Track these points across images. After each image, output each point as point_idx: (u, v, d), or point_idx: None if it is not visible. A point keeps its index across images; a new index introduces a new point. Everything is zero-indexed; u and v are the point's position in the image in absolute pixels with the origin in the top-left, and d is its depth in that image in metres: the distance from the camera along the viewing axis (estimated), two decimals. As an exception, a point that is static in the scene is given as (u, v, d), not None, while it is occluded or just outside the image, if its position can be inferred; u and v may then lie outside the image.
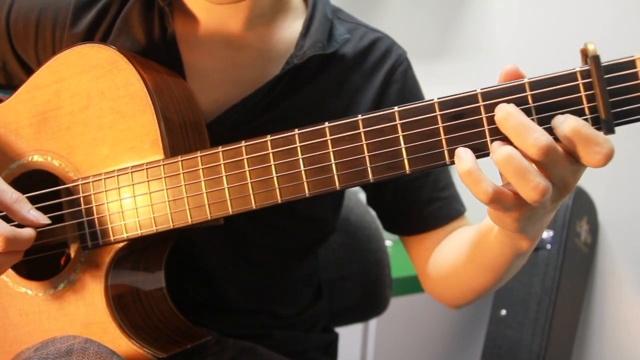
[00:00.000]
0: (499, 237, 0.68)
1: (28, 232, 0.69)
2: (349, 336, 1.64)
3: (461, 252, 0.80)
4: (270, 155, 0.64)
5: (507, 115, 0.55)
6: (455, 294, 0.86)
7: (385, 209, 0.94)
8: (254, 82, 0.82)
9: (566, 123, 0.53)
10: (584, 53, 0.55)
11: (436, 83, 2.04)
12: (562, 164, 0.54)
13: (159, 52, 0.81)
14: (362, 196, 1.22)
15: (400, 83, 0.88)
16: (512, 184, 0.54)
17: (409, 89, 0.89)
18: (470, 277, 0.80)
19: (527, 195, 0.53)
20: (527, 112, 0.56)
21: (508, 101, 0.56)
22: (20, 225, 0.70)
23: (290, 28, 0.86)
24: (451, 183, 0.91)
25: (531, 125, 0.53)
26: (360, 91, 0.86)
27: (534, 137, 0.53)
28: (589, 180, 1.65)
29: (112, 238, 0.72)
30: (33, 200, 0.75)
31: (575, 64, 0.57)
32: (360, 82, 0.86)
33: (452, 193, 0.91)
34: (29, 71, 0.87)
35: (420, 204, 0.89)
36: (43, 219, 0.71)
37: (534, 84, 0.56)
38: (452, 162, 0.58)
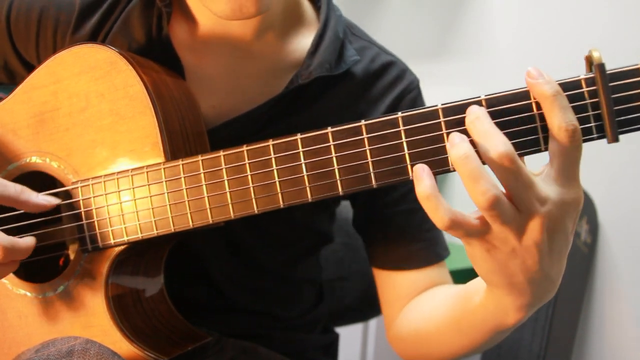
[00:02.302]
0: (485, 302, 0.64)
1: (26, 242, 0.69)
2: (349, 336, 1.64)
3: (440, 309, 0.75)
4: (273, 160, 0.64)
5: (475, 118, 0.54)
6: (421, 352, 0.80)
7: (368, 236, 0.90)
8: (255, 94, 0.81)
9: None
10: (589, 60, 0.55)
11: (436, 83, 2.04)
12: (523, 180, 0.52)
13: (157, 53, 0.81)
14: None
15: None
16: (465, 185, 0.53)
17: None
18: (444, 338, 0.74)
19: (476, 200, 0.52)
20: (531, 119, 0.56)
21: (512, 108, 0.56)
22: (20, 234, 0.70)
23: (301, 43, 0.84)
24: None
25: (495, 132, 0.53)
26: (365, 116, 0.83)
27: (495, 142, 0.52)
28: (589, 180, 1.65)
29: (112, 241, 0.71)
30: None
31: (575, 64, 0.56)
32: (365, 107, 0.84)
33: (436, 235, 0.87)
34: (31, 69, 0.86)
35: (404, 241, 0.86)
36: (53, 199, 0.72)
37: (538, 91, 0.56)
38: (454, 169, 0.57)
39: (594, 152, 1.58)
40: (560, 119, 0.53)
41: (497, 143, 0.52)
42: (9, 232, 0.72)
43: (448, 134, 0.58)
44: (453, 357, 0.76)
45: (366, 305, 1.22)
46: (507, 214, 0.52)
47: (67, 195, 0.74)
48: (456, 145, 0.53)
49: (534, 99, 0.56)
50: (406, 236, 0.85)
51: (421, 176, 0.54)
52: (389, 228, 0.86)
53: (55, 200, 0.72)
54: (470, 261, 0.60)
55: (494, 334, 0.67)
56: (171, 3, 0.81)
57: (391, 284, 0.87)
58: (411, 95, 0.87)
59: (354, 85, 0.84)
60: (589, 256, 1.66)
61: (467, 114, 0.56)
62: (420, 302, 0.83)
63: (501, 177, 0.53)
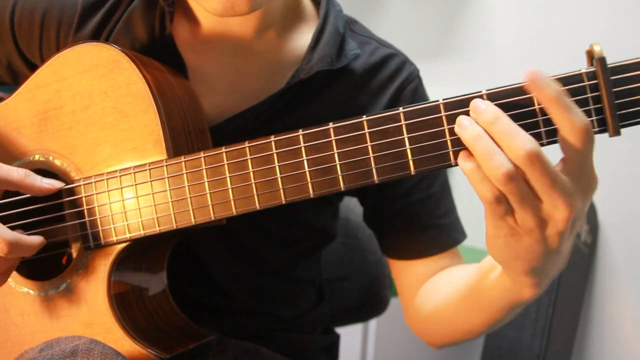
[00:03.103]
0: (501, 279, 0.66)
1: (31, 239, 0.70)
2: (349, 336, 1.64)
3: (457, 287, 0.77)
4: (274, 155, 0.64)
5: (495, 119, 0.55)
6: (442, 332, 0.83)
7: (381, 229, 0.91)
8: (257, 92, 0.81)
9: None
10: (590, 54, 0.55)
11: (436, 83, 2.04)
12: (550, 175, 0.54)
13: (159, 52, 0.81)
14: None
15: (407, 102, 0.86)
16: (481, 163, 0.55)
17: None
18: (462, 316, 0.77)
19: (493, 175, 0.54)
20: (532, 113, 0.56)
21: (513, 103, 0.56)
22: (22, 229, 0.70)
23: (301, 39, 0.84)
24: (452, 209, 0.88)
25: (518, 130, 0.54)
26: (367, 109, 0.84)
27: (522, 141, 0.53)
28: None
29: (114, 238, 0.72)
30: (35, 200, 0.75)
31: (576, 63, 0.57)
32: (367, 100, 0.85)
33: (451, 221, 0.87)
34: (35, 69, 0.86)
35: (418, 230, 0.86)
36: (57, 183, 0.73)
37: (540, 85, 0.56)
38: (457, 164, 0.58)
39: (593, 152, 1.58)
40: (573, 120, 0.53)
41: (524, 141, 0.53)
42: (11, 229, 0.72)
43: (450, 129, 0.58)
44: (473, 334, 0.78)
45: (366, 306, 1.22)
46: (524, 192, 0.54)
47: (69, 192, 0.74)
48: (467, 128, 0.55)
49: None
50: (420, 225, 0.86)
51: (468, 155, 0.56)
52: (403, 220, 0.87)
53: (58, 184, 0.73)
54: (490, 250, 0.61)
55: (510, 308, 0.69)
56: (174, 3, 0.81)
57: (407, 272, 0.88)
58: (412, 85, 0.87)
59: (355, 79, 0.84)
60: (589, 256, 1.66)
61: (480, 112, 0.56)
62: (436, 283, 0.84)
63: (530, 174, 0.54)
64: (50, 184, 0.73)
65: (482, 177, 0.55)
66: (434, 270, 0.86)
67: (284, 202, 0.64)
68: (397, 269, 0.90)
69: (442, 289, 0.81)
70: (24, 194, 0.75)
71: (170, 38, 0.81)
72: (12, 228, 0.71)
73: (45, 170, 0.76)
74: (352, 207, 1.21)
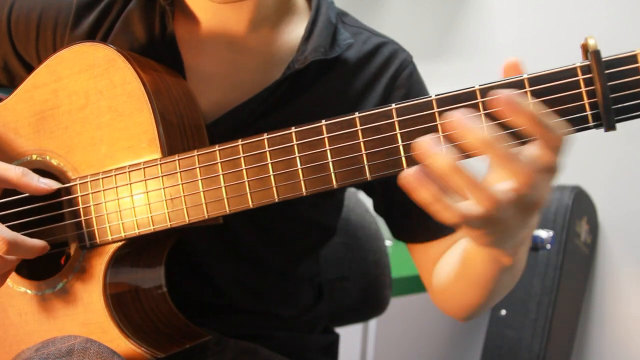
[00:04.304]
0: (481, 253, 0.68)
1: (32, 242, 0.70)
2: (349, 336, 1.64)
3: (452, 267, 0.80)
4: (267, 153, 0.64)
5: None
6: (454, 307, 0.86)
7: (393, 217, 0.92)
8: (254, 86, 0.81)
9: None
10: (585, 48, 0.55)
11: (436, 83, 2.04)
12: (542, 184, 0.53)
13: (159, 51, 0.81)
14: (362, 196, 1.21)
15: (404, 89, 0.86)
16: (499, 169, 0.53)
17: (414, 94, 0.86)
18: (461, 292, 0.80)
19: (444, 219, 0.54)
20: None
21: None
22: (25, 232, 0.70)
23: (294, 32, 0.85)
24: None
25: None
26: (363, 98, 0.85)
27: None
28: (589, 180, 1.65)
29: (109, 237, 0.72)
30: (32, 199, 0.75)
31: (577, 63, 0.56)
32: (362, 88, 0.85)
33: None
34: (31, 71, 0.87)
35: (427, 214, 0.87)
36: (54, 183, 0.73)
37: (534, 80, 0.56)
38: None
39: (593, 152, 1.59)
40: (553, 137, 0.52)
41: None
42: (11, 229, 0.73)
43: (442, 124, 0.58)
44: (480, 305, 0.81)
45: (366, 305, 1.22)
46: (475, 223, 0.55)
47: (66, 192, 0.74)
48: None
49: (529, 87, 0.56)
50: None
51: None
52: (413, 207, 0.87)
53: (55, 184, 0.73)
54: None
55: (499, 274, 0.71)
56: (173, 1, 0.81)
57: (424, 253, 0.90)
58: (406, 72, 0.87)
59: (349, 68, 0.85)
60: (589, 256, 1.65)
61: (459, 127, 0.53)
62: (441, 263, 0.87)
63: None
64: (47, 183, 0.73)
65: (444, 207, 0.55)
66: (445, 249, 0.87)
67: (276, 200, 0.64)
68: (414, 252, 0.92)
69: (445, 270, 0.84)
70: (22, 193, 0.75)
71: (172, 37, 0.81)
72: (11, 227, 0.71)
73: (43, 170, 0.76)
74: (352, 207, 1.21)
